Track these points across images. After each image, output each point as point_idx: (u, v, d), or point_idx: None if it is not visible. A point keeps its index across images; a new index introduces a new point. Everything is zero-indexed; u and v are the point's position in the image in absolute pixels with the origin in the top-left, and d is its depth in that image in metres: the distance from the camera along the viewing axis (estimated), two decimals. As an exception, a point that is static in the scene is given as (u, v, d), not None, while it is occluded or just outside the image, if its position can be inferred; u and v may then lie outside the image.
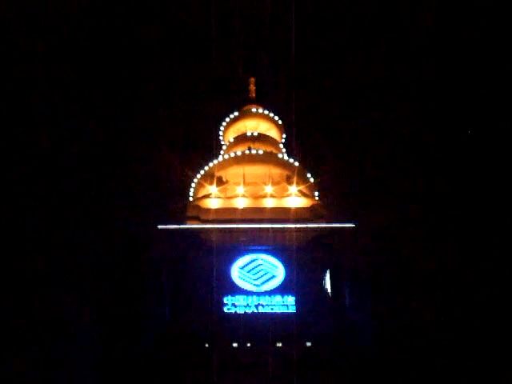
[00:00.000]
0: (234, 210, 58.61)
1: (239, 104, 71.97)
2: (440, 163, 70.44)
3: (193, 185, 63.20)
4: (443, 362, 49.13)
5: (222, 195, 60.48)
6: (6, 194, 56.49)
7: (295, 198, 60.23)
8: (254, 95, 72.70)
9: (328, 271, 54.04)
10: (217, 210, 58.86)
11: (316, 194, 63.27)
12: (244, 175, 61.07)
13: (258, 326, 50.98)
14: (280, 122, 70.19)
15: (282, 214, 57.93)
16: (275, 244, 55.07)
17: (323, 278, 53.69)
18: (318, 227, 56.49)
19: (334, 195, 63.65)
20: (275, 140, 68.58)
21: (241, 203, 59.46)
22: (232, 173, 61.96)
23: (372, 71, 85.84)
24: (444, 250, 56.80)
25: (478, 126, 63.46)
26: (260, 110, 70.33)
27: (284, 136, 70.30)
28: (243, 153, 63.10)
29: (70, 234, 57.51)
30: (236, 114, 70.45)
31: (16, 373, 47.17)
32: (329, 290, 53.35)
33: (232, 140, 67.71)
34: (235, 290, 53.07)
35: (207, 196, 60.76)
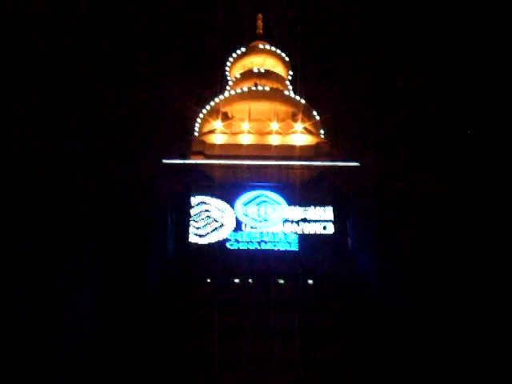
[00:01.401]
0: (239, 146, 56.15)
1: (246, 40, 68.92)
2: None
3: (198, 120, 60.63)
4: (448, 302, 47.06)
5: (227, 131, 58.02)
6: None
7: (300, 136, 57.78)
8: (261, 31, 69.60)
9: (331, 209, 51.46)
10: (222, 146, 56.39)
11: (321, 131, 60.61)
12: (250, 111, 58.62)
13: (260, 262, 48.85)
14: (287, 58, 67.24)
15: (286, 151, 55.52)
16: (279, 181, 52.83)
17: (326, 217, 51.21)
18: (322, 165, 53.99)
19: (338, 133, 61.02)
20: (281, 77, 65.75)
21: (246, 139, 56.97)
22: (238, 109, 59.33)
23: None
24: (450, 189, 54.31)
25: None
26: (267, 47, 67.49)
27: (290, 73, 67.28)
28: (249, 89, 60.49)
29: (73, 169, 55.03)
30: (243, 49, 67.52)
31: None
32: (332, 229, 50.85)
33: (238, 76, 64.90)
34: (238, 225, 50.80)
35: (212, 131, 58.32)
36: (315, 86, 70.15)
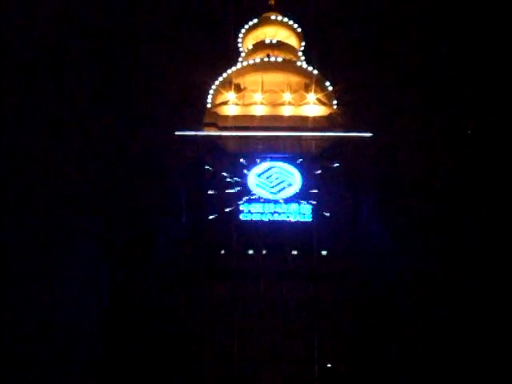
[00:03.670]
0: (252, 117, 54.98)
1: (258, 11, 67.24)
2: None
3: (211, 91, 59.21)
4: (461, 275, 46.08)
5: (239, 102, 56.75)
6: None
7: (313, 107, 56.42)
8: (273, 2, 67.79)
9: (345, 180, 50.44)
10: (234, 117, 55.23)
11: (334, 102, 59.22)
12: (262, 82, 57.22)
13: (273, 233, 48.01)
14: (299, 29, 65.60)
15: (299, 122, 54.43)
16: (292, 152, 51.89)
17: (340, 187, 50.17)
18: (336, 136, 52.80)
19: (352, 104, 59.57)
20: (294, 48, 64.25)
21: (259, 110, 55.77)
22: (250, 80, 57.96)
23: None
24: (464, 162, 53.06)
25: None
26: (279, 18, 65.82)
27: (303, 44, 65.76)
28: (262, 60, 59.03)
29: (86, 142, 54.04)
30: (255, 21, 65.80)
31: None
32: (346, 200, 49.85)
33: (251, 47, 63.49)
34: (252, 197, 50.08)
35: (225, 103, 57.03)
36: (328, 57, 68.75)
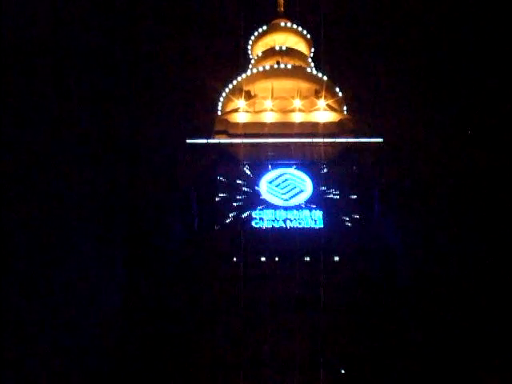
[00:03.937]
0: (262, 124, 54.96)
1: (268, 18, 67.30)
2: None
3: (221, 99, 59.32)
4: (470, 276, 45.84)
5: (250, 109, 56.74)
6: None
7: (323, 113, 56.37)
8: (282, 9, 67.79)
9: (356, 185, 50.35)
10: (245, 124, 55.22)
11: (344, 108, 59.17)
12: (272, 89, 57.27)
13: (285, 240, 47.88)
14: (308, 36, 65.58)
15: (310, 129, 54.28)
16: (303, 158, 51.75)
17: (351, 193, 50.10)
18: (346, 142, 52.69)
19: (362, 109, 59.60)
20: (304, 54, 64.22)
21: (269, 117, 55.76)
22: (260, 87, 57.98)
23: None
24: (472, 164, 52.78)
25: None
26: (288, 24, 65.87)
27: (312, 50, 65.69)
28: (271, 67, 59.08)
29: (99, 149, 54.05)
30: (264, 28, 65.82)
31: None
32: (357, 205, 49.76)
33: (260, 54, 63.52)
34: (263, 204, 49.86)
35: (235, 110, 57.06)
36: (338, 63, 68.70)
